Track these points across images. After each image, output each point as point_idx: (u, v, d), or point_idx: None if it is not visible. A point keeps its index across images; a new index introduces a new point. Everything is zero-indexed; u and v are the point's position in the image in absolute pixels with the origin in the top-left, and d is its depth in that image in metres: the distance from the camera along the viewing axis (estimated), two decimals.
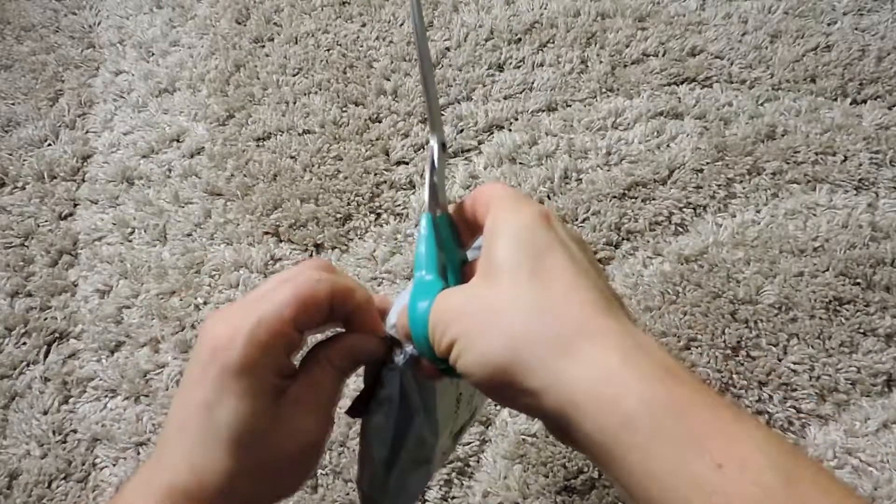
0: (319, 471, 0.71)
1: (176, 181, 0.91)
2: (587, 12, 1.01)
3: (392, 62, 0.99)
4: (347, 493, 0.70)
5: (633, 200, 0.85)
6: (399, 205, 0.87)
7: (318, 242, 0.85)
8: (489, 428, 0.73)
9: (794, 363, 0.74)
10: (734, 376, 0.73)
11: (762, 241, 0.81)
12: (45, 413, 0.76)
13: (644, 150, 0.89)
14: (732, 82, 0.95)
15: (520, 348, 0.28)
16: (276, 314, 0.32)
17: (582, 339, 0.27)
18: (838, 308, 0.77)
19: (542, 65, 0.97)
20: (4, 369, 0.78)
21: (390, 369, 0.36)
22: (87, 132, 0.97)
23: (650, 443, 0.24)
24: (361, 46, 1.01)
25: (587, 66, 0.97)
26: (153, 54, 1.04)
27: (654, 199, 0.85)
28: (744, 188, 0.86)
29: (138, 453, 0.74)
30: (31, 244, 0.87)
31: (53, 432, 0.75)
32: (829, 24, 0.99)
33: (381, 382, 0.36)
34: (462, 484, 0.71)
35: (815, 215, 0.83)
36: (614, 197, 0.85)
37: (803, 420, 0.71)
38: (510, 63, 0.98)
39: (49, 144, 0.95)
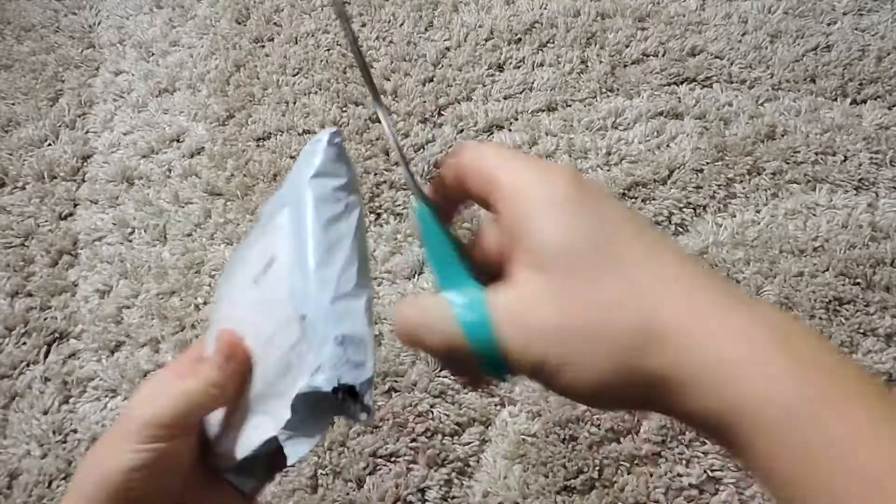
0: (319, 471, 0.71)
1: (176, 181, 0.91)
2: (587, 12, 1.01)
3: (392, 62, 0.99)
4: (347, 493, 0.70)
5: (633, 200, 0.85)
6: (399, 205, 0.87)
7: None
8: (489, 428, 0.73)
9: None
10: None
11: (762, 241, 0.81)
12: (45, 413, 0.76)
13: (644, 150, 0.89)
14: (732, 82, 0.95)
15: (633, 358, 0.23)
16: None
17: (704, 333, 0.23)
18: (838, 308, 0.77)
19: (542, 65, 0.97)
20: (4, 369, 0.78)
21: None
22: (87, 132, 0.97)
23: (799, 447, 0.21)
24: (361, 46, 1.01)
25: (587, 66, 0.97)
26: (153, 54, 1.04)
27: (654, 199, 0.85)
28: (744, 188, 0.86)
29: None
30: (31, 244, 0.87)
31: (53, 432, 0.75)
32: (829, 24, 0.99)
33: None
34: (462, 484, 0.71)
35: (815, 215, 0.83)
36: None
37: None
38: (510, 63, 0.98)
39: (49, 144, 0.95)
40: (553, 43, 0.99)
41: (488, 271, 0.28)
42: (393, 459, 0.71)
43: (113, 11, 1.09)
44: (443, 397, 0.74)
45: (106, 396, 0.77)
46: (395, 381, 0.75)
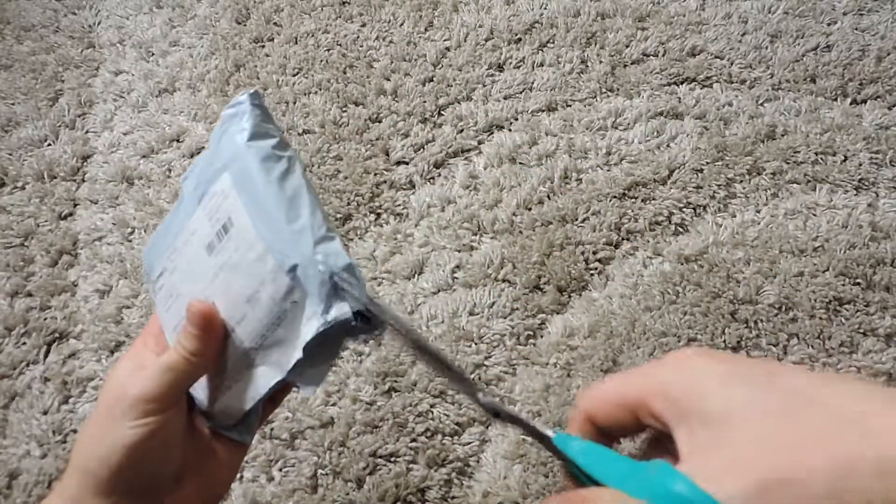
0: (319, 471, 0.71)
1: (176, 181, 0.91)
2: (587, 12, 1.01)
3: (392, 62, 0.99)
4: (347, 493, 0.70)
5: (633, 200, 0.85)
6: (399, 205, 0.87)
7: None
8: (489, 428, 0.73)
9: (794, 363, 0.74)
10: None
11: (762, 241, 0.81)
12: (45, 413, 0.76)
13: (644, 150, 0.89)
14: (732, 82, 0.95)
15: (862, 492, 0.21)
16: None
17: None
18: (838, 308, 0.77)
19: (542, 65, 0.97)
20: (4, 369, 0.78)
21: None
22: (87, 132, 0.97)
23: None
24: (361, 46, 1.01)
25: (587, 66, 0.97)
26: (153, 54, 1.04)
27: (654, 199, 0.85)
28: (744, 188, 0.86)
29: None
30: (31, 244, 0.87)
31: (53, 432, 0.75)
32: (829, 24, 0.99)
33: None
34: (462, 484, 0.71)
35: (815, 215, 0.83)
36: (614, 197, 0.85)
37: None
38: (510, 63, 0.98)
39: (49, 144, 0.95)
40: (553, 43, 0.99)
41: None
42: (393, 459, 0.71)
43: (113, 11, 1.09)
44: (443, 397, 0.74)
45: None
46: (395, 381, 0.75)
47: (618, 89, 0.95)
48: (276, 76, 0.99)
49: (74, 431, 0.75)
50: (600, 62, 0.97)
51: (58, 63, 1.03)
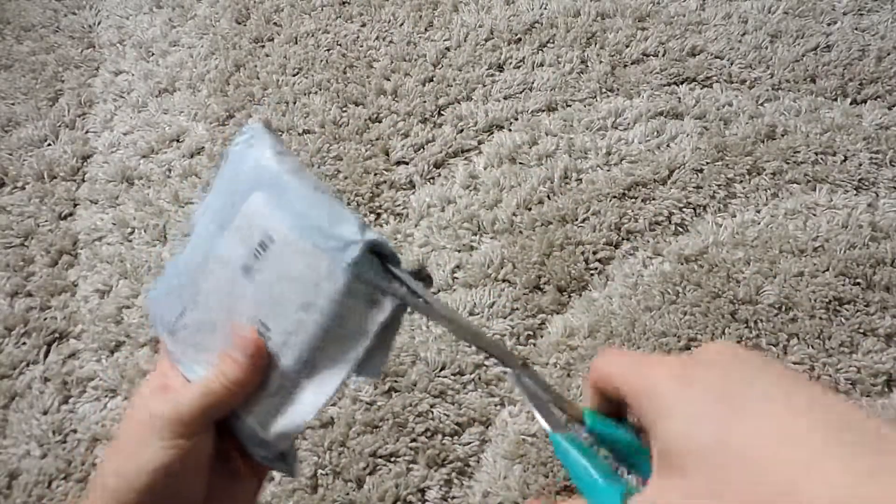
0: (319, 471, 0.71)
1: (176, 181, 0.91)
2: (587, 12, 1.01)
3: (392, 62, 0.99)
4: (347, 493, 0.70)
5: (633, 200, 0.85)
6: (399, 205, 0.87)
7: None
8: (489, 428, 0.73)
9: (794, 363, 0.74)
10: None
11: (762, 241, 0.81)
12: (45, 413, 0.76)
13: (644, 150, 0.89)
14: (732, 82, 0.95)
15: None
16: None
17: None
18: (838, 308, 0.77)
19: (542, 65, 0.97)
20: (4, 369, 0.78)
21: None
22: (87, 132, 0.97)
23: None
24: (361, 46, 1.01)
25: (587, 66, 0.97)
26: (153, 54, 1.04)
27: (654, 199, 0.85)
28: (744, 188, 0.86)
29: None
30: (31, 244, 0.87)
31: (53, 432, 0.75)
32: (829, 24, 0.99)
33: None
34: (462, 484, 0.71)
35: (815, 215, 0.83)
36: (614, 197, 0.85)
37: None
38: (510, 63, 0.98)
39: (49, 144, 0.95)
40: (553, 43, 0.99)
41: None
42: (393, 459, 0.71)
43: (113, 11, 1.09)
44: (443, 397, 0.74)
45: (106, 396, 0.77)
46: (395, 381, 0.75)
47: (618, 89, 0.95)
48: (276, 76, 0.99)
49: (74, 431, 0.75)
50: (600, 62, 0.97)
51: (58, 63, 1.03)
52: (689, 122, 0.91)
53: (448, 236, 0.84)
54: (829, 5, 1.01)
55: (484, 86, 0.96)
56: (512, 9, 1.03)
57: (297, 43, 1.02)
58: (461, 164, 0.90)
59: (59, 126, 0.97)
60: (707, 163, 0.87)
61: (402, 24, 1.02)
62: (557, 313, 0.79)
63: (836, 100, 0.93)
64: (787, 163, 0.87)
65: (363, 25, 1.03)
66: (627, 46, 0.98)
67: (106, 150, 0.95)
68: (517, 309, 0.79)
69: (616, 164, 0.88)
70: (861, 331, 0.75)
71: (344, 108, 0.95)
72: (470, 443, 0.72)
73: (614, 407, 0.32)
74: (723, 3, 1.02)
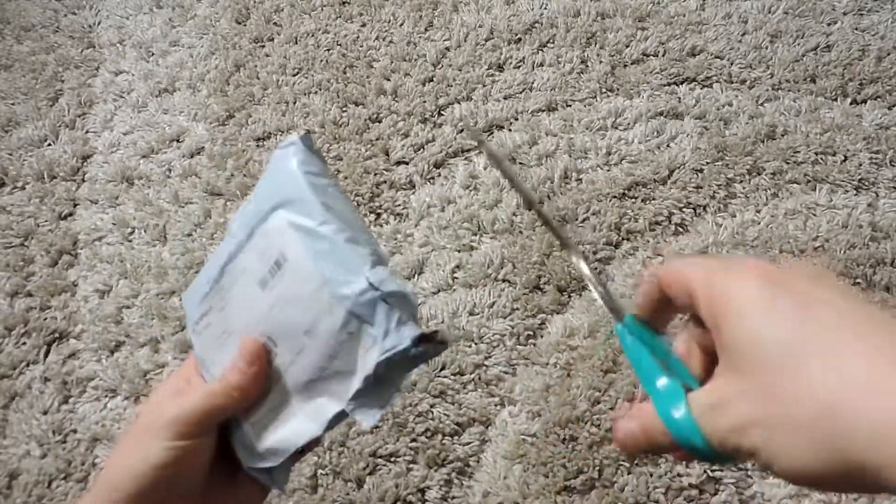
0: (319, 471, 0.71)
1: (176, 181, 0.91)
2: (587, 12, 1.01)
3: (392, 62, 0.99)
4: (347, 493, 0.70)
5: (633, 200, 0.85)
6: (399, 205, 0.87)
7: None
8: (489, 428, 0.73)
9: None
10: None
11: (762, 241, 0.81)
12: (45, 413, 0.76)
13: (644, 150, 0.89)
14: (732, 82, 0.95)
15: (831, 449, 0.24)
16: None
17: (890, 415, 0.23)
18: None
19: (542, 65, 0.97)
20: (4, 369, 0.78)
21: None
22: (87, 132, 0.97)
23: None
24: (361, 46, 1.01)
25: (587, 66, 0.97)
26: (153, 54, 1.04)
27: (654, 199, 0.85)
28: (744, 188, 0.86)
29: None
30: (31, 244, 0.87)
31: (53, 432, 0.75)
32: (829, 24, 0.99)
33: None
34: (462, 484, 0.70)
35: (815, 215, 0.83)
36: (614, 197, 0.85)
37: None
38: (510, 63, 0.98)
39: (49, 144, 0.95)
40: (553, 43, 0.99)
41: (699, 374, 0.31)
42: (393, 459, 0.71)
43: (113, 11, 1.09)
44: (443, 397, 0.74)
45: (106, 396, 0.77)
46: None
47: (618, 89, 0.95)
48: (276, 76, 0.99)
49: (75, 431, 0.75)
50: (600, 62, 0.97)
51: (58, 63, 1.03)
52: (689, 122, 0.91)
53: (448, 236, 0.84)
54: (829, 5, 1.01)
55: (484, 86, 0.96)
56: (512, 9, 1.03)
57: (297, 43, 1.02)
58: (461, 164, 0.90)
59: (59, 126, 0.97)
60: (707, 163, 0.87)
61: (402, 24, 1.02)
62: (557, 313, 0.79)
63: (836, 100, 0.93)
64: (787, 163, 0.87)
65: (363, 25, 1.03)
66: (627, 46, 0.98)
67: (106, 150, 0.95)
68: (517, 309, 0.79)
69: (616, 164, 0.88)
70: None
71: (344, 108, 0.95)
72: (470, 443, 0.72)
73: (661, 315, 0.33)
74: (723, 3, 1.02)
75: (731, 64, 0.96)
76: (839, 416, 0.23)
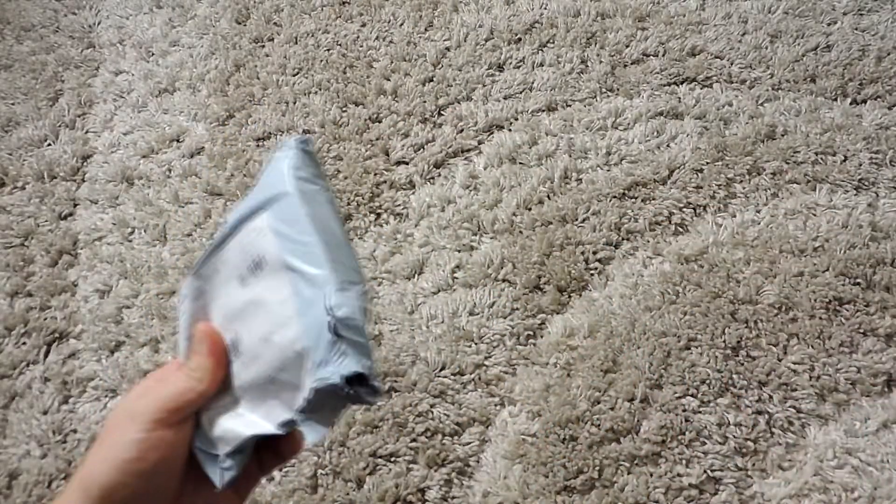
0: (319, 471, 0.71)
1: (176, 181, 0.91)
2: (587, 12, 1.01)
3: (392, 62, 0.99)
4: (347, 493, 0.70)
5: (633, 200, 0.85)
6: (399, 205, 0.87)
7: None
8: (489, 428, 0.73)
9: (794, 363, 0.74)
10: (734, 376, 0.73)
11: (762, 241, 0.81)
12: (45, 413, 0.76)
13: (644, 150, 0.89)
14: (732, 82, 0.95)
15: None
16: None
17: None
18: (838, 308, 0.77)
19: (542, 65, 0.97)
20: (4, 369, 0.78)
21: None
22: (87, 132, 0.97)
23: None
24: (361, 46, 1.01)
25: (587, 66, 0.97)
26: (153, 54, 1.04)
27: (654, 199, 0.85)
28: (744, 188, 0.86)
29: None
30: (31, 244, 0.87)
31: (53, 432, 0.75)
32: (829, 24, 0.99)
33: None
34: (462, 484, 0.71)
35: (815, 215, 0.83)
36: (614, 197, 0.85)
37: (803, 420, 0.71)
38: (510, 63, 0.98)
39: (49, 144, 0.95)
40: (553, 43, 0.99)
41: None
42: (393, 459, 0.71)
43: (113, 11, 1.09)
44: (443, 397, 0.74)
45: (106, 396, 0.77)
46: (395, 381, 0.75)
47: (618, 89, 0.95)
48: (276, 76, 0.99)
49: (74, 431, 0.75)
50: (600, 62, 0.97)
51: (58, 63, 1.03)
52: (689, 122, 0.91)
53: (448, 236, 0.84)
54: (829, 5, 1.01)
55: (484, 86, 0.96)
56: (512, 9, 1.03)
57: (297, 43, 1.02)
58: (461, 164, 0.90)
59: (59, 126, 0.97)
60: (707, 163, 0.87)
61: (402, 24, 1.02)
62: (557, 313, 0.79)
63: (836, 100, 0.93)
64: (787, 163, 0.87)
65: (363, 25, 1.03)
66: (627, 46, 0.98)
67: (106, 150, 0.95)
68: (517, 309, 0.79)
69: (616, 164, 0.88)
70: (861, 331, 0.75)
71: (344, 108, 0.95)
72: (470, 443, 0.72)
73: None
74: (723, 3, 1.02)
75: (731, 64, 0.96)
76: None
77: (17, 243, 0.87)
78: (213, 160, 0.92)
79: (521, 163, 0.89)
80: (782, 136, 0.89)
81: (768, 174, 0.86)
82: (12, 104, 0.99)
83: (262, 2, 1.07)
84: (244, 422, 0.37)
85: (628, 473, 0.69)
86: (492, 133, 0.92)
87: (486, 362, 0.76)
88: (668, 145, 0.89)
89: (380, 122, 0.94)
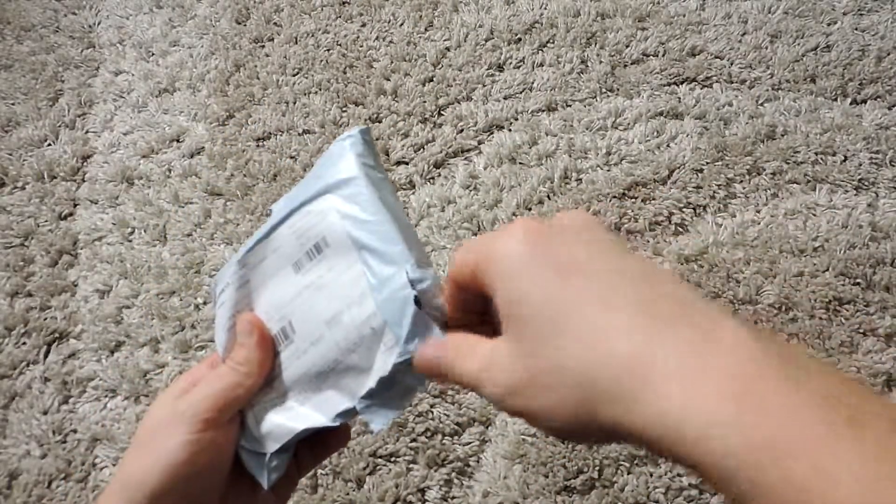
0: (319, 471, 0.71)
1: (176, 181, 0.91)
2: (587, 12, 1.01)
3: (392, 62, 0.99)
4: (347, 493, 0.70)
5: (633, 200, 0.85)
6: None
7: None
8: (489, 428, 0.73)
9: None
10: None
11: (762, 241, 0.81)
12: (45, 413, 0.76)
13: (644, 150, 0.89)
14: (732, 82, 0.95)
15: (587, 411, 0.25)
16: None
17: (639, 381, 0.23)
18: (838, 308, 0.77)
19: (542, 65, 0.97)
20: (4, 369, 0.78)
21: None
22: (87, 132, 0.97)
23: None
24: (361, 46, 1.01)
25: (587, 66, 0.97)
26: (153, 54, 1.04)
27: (654, 199, 0.85)
28: (744, 188, 0.86)
29: None
30: (31, 244, 0.87)
31: (53, 432, 0.75)
32: (829, 24, 0.99)
33: None
34: (462, 484, 0.71)
35: (815, 215, 0.83)
36: (614, 197, 0.85)
37: None
38: (510, 63, 0.98)
39: (49, 144, 0.95)
40: (553, 43, 0.99)
41: None
42: (393, 459, 0.71)
43: (113, 11, 1.09)
44: (443, 397, 0.74)
45: (106, 396, 0.77)
46: None
47: (618, 89, 0.95)
48: (276, 76, 0.99)
49: (74, 431, 0.75)
50: (600, 62, 0.97)
51: (58, 63, 1.03)
52: (689, 122, 0.91)
53: (448, 236, 0.84)
54: (829, 5, 1.01)
55: (484, 86, 0.96)
56: (512, 9, 1.03)
57: (297, 43, 1.02)
58: (461, 164, 0.90)
59: (59, 126, 0.97)
60: (707, 163, 0.87)
61: (402, 24, 1.02)
62: None
63: (836, 100, 0.93)
64: (787, 163, 0.87)
65: (363, 25, 1.03)
66: (627, 46, 0.98)
67: (106, 150, 0.95)
68: None
69: (616, 164, 0.88)
70: (861, 331, 0.75)
71: (344, 108, 0.95)
72: (470, 443, 0.72)
73: (472, 316, 0.32)
74: (723, 3, 1.02)
75: (731, 64, 0.96)
76: (599, 381, 0.24)
77: (17, 243, 0.87)
78: (213, 160, 0.92)
79: (521, 163, 0.89)
80: (782, 136, 0.89)
81: (768, 174, 0.86)
82: (12, 104, 0.99)
83: (262, 2, 1.07)
84: (294, 415, 0.36)
85: (628, 473, 0.69)
86: (492, 133, 0.92)
87: None
88: (668, 145, 0.89)
89: (380, 122, 0.94)
